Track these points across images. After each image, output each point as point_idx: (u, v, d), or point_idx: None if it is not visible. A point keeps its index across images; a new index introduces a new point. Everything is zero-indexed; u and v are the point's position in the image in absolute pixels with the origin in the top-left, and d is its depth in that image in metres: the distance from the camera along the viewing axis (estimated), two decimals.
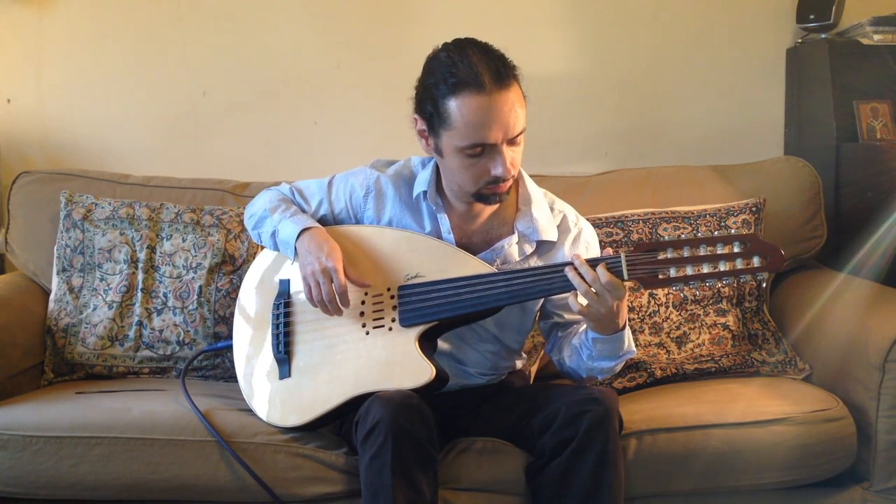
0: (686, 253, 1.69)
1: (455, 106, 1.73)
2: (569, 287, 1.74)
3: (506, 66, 1.74)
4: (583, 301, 1.72)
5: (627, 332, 1.82)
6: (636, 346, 2.25)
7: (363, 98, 2.82)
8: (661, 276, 1.70)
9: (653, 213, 2.39)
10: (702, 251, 1.69)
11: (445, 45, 1.79)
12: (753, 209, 2.38)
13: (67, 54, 2.77)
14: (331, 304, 1.82)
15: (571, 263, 1.72)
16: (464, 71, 1.71)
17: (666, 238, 1.72)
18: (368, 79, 2.81)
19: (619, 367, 1.88)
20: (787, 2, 2.81)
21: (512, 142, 1.76)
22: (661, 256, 1.70)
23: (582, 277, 1.70)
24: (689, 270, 1.69)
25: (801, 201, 2.47)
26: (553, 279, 1.75)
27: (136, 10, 2.77)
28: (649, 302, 2.31)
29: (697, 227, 2.36)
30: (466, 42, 1.78)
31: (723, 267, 1.68)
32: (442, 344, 1.91)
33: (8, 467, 1.86)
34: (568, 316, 1.94)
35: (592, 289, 1.70)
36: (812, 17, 2.71)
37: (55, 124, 2.78)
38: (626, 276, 1.70)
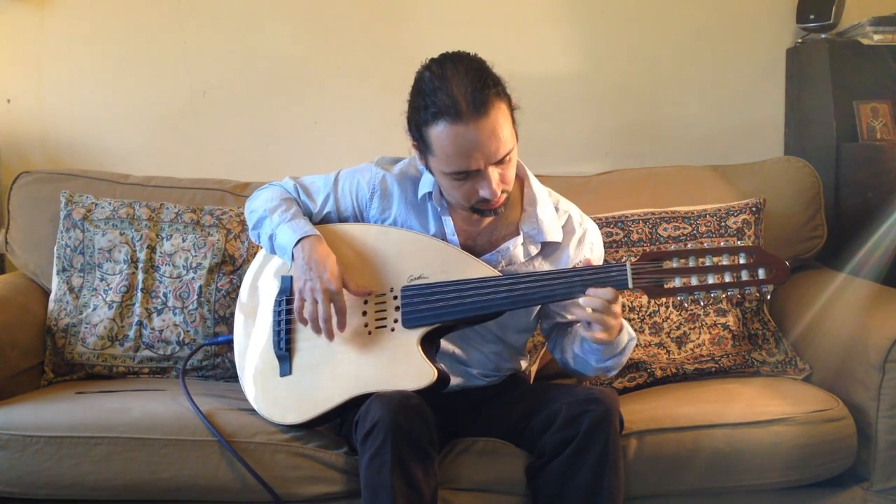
0: (691, 263, 1.69)
1: (435, 135, 1.71)
2: (571, 293, 1.74)
3: (485, 87, 1.69)
4: (596, 329, 1.74)
5: (625, 325, 1.82)
6: (636, 345, 2.27)
7: (363, 98, 2.82)
8: (666, 286, 1.70)
9: (653, 213, 2.39)
10: (707, 262, 1.69)
11: (430, 62, 1.75)
12: (753, 209, 2.38)
13: (67, 54, 2.77)
14: (325, 324, 1.80)
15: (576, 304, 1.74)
16: (442, 99, 1.68)
17: (669, 241, 1.72)
18: (368, 79, 2.81)
19: (626, 359, 1.89)
20: (787, 2, 2.81)
21: (499, 162, 1.74)
22: (667, 266, 1.70)
23: (585, 310, 1.72)
24: (694, 281, 1.69)
25: (801, 201, 2.47)
26: (555, 285, 1.75)
27: (135, 11, 2.77)
28: (649, 302, 2.31)
29: (697, 228, 2.36)
30: (449, 60, 1.73)
31: (728, 278, 1.68)
32: (445, 344, 1.91)
33: (8, 467, 1.86)
34: (570, 316, 1.94)
35: (604, 316, 1.71)
36: (812, 17, 2.71)
37: (55, 124, 2.78)
38: (631, 286, 1.70)
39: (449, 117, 1.68)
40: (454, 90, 1.69)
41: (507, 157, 1.75)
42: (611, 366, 1.87)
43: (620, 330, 1.79)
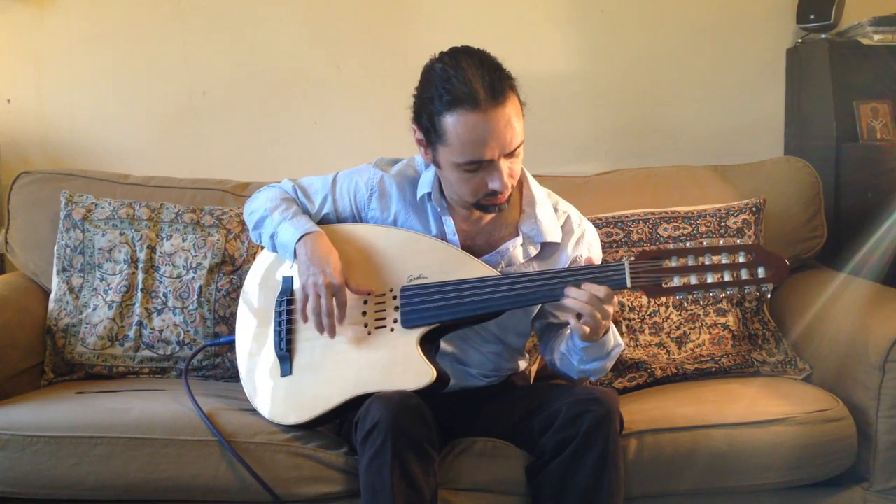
0: (690, 262, 1.69)
1: (450, 123, 1.71)
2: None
3: (501, 78, 1.71)
4: (585, 321, 1.72)
5: (612, 330, 1.82)
6: (636, 345, 2.27)
7: (363, 98, 2.82)
8: (664, 285, 1.70)
9: (653, 213, 2.39)
10: (706, 260, 1.68)
11: (441, 55, 1.76)
12: (753, 209, 2.38)
13: (67, 54, 2.77)
14: (328, 318, 1.81)
15: (566, 293, 1.72)
16: (458, 87, 1.69)
17: (668, 241, 1.70)
18: (368, 79, 2.81)
19: (610, 365, 1.88)
20: (787, 2, 2.81)
21: (510, 154, 1.75)
22: (665, 265, 1.70)
23: (578, 298, 1.70)
24: (693, 280, 1.69)
25: (801, 201, 2.47)
26: (555, 284, 1.75)
27: (135, 10, 2.77)
28: (649, 302, 2.31)
29: (697, 227, 2.36)
30: (462, 52, 1.75)
31: (727, 277, 1.68)
32: (444, 345, 1.91)
33: (8, 467, 1.86)
34: (563, 316, 1.94)
35: (592, 305, 1.70)
36: (812, 17, 2.71)
37: (55, 124, 2.78)
38: (629, 284, 1.70)
39: (467, 105, 1.69)
40: (471, 79, 1.69)
41: (517, 151, 1.76)
42: (593, 369, 1.86)
43: (606, 332, 1.79)
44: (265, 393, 1.93)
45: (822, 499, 2.00)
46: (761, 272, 1.67)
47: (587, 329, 1.72)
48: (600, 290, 1.70)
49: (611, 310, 1.73)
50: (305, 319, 1.84)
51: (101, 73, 2.78)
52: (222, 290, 2.33)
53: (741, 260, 1.68)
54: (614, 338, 1.83)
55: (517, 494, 1.87)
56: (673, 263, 1.70)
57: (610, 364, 1.87)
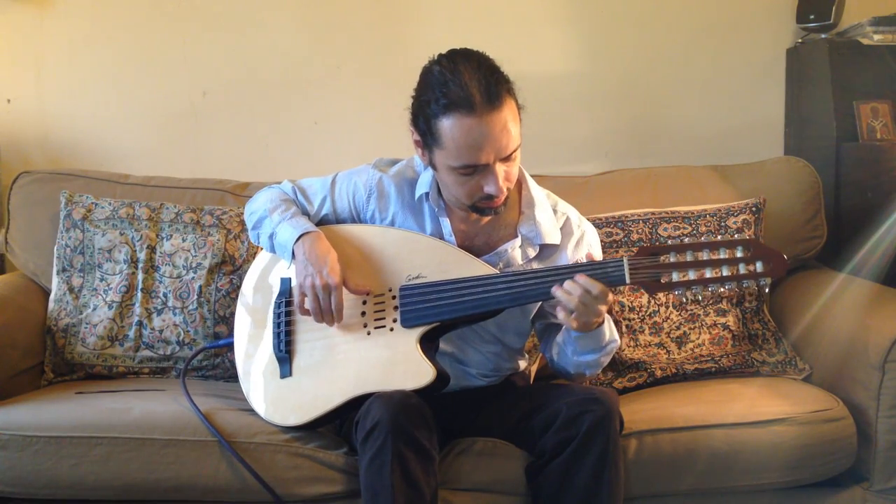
0: (689, 257, 1.69)
1: (446, 127, 1.71)
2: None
3: (498, 82, 1.71)
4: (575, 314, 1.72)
5: (608, 323, 1.82)
6: (636, 345, 2.27)
7: (363, 98, 2.82)
8: (663, 281, 1.70)
9: (653, 213, 2.39)
10: (704, 255, 1.69)
11: (439, 57, 1.76)
12: (753, 209, 2.38)
13: (67, 54, 2.77)
14: (326, 317, 1.82)
15: (559, 283, 1.72)
16: (455, 91, 1.69)
17: (668, 241, 1.70)
18: (368, 79, 2.81)
19: (605, 360, 1.87)
20: (787, 2, 2.81)
21: (506, 158, 1.75)
22: (664, 261, 1.70)
23: (570, 293, 1.70)
24: (692, 275, 1.69)
25: (801, 201, 2.47)
26: (553, 282, 1.75)
27: (136, 11, 2.77)
28: (649, 302, 2.31)
29: (697, 227, 2.36)
30: (460, 55, 1.75)
31: (725, 272, 1.68)
32: (444, 345, 1.91)
33: (8, 467, 1.86)
34: (556, 312, 1.93)
35: (583, 302, 1.70)
36: (812, 17, 2.71)
37: (55, 124, 2.79)
38: (628, 280, 1.70)
39: (462, 109, 1.69)
40: (467, 82, 1.69)
41: (514, 155, 1.76)
42: (588, 361, 1.85)
43: (600, 325, 1.79)
44: (265, 395, 1.93)
45: (822, 499, 2.00)
46: (759, 266, 1.68)
47: (575, 323, 1.73)
48: (594, 287, 1.69)
49: (603, 308, 1.72)
50: (306, 314, 1.84)
51: (101, 73, 2.78)
52: (222, 291, 2.33)
53: (739, 255, 1.68)
54: (610, 332, 1.83)
55: (517, 494, 1.87)
56: (671, 259, 1.70)
57: (605, 359, 1.87)
